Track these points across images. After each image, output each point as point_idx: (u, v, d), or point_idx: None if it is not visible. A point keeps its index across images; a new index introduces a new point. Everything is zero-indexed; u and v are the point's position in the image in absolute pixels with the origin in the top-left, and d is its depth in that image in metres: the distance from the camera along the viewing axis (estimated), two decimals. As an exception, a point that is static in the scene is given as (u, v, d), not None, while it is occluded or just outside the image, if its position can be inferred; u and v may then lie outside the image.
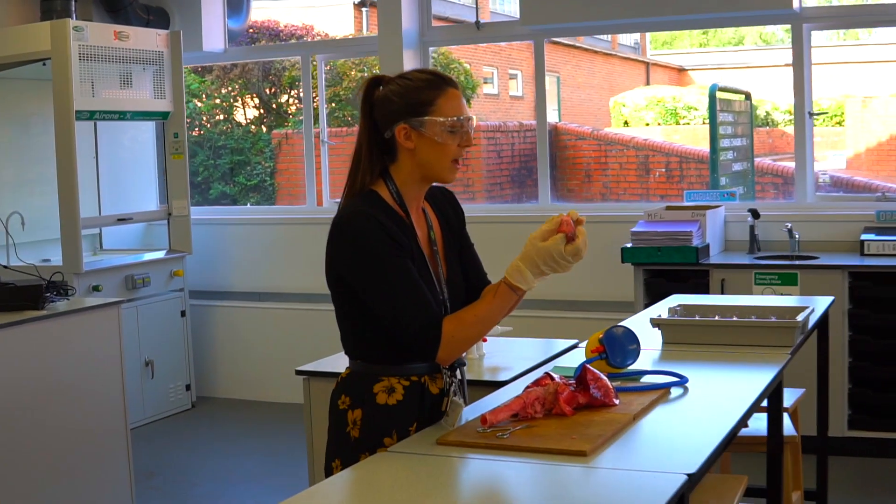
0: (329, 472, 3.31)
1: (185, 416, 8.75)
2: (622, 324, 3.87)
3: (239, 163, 10.91)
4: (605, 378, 3.31)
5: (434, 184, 3.34)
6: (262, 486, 6.94)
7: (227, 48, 9.49)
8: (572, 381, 3.29)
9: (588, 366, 3.31)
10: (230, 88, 11.19)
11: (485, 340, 4.66)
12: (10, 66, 8.06)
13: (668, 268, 7.19)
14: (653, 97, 17.02)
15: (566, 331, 7.67)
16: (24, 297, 5.78)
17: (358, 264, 3.16)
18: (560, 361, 4.15)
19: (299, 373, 4.64)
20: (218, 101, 11.16)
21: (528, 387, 3.28)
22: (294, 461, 7.19)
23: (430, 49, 8.81)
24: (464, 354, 3.43)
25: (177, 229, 8.81)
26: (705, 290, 7.04)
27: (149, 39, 8.41)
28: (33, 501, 5.60)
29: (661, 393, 3.44)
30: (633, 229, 7.26)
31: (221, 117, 11.19)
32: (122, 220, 8.55)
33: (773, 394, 3.79)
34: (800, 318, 4.28)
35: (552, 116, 11.80)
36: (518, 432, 3.04)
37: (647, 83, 20.27)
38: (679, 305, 4.61)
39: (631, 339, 3.75)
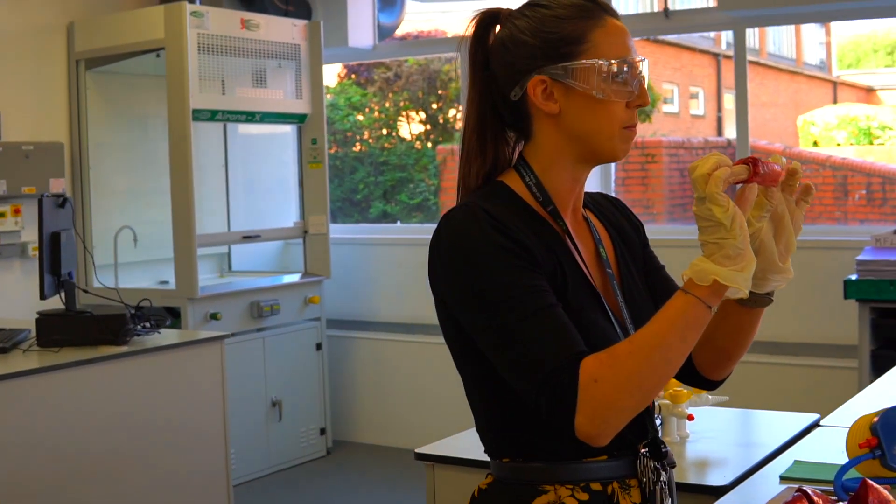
0: None
1: (318, 464, 7.79)
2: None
3: (401, 180, 10.21)
4: (893, 500, 2.03)
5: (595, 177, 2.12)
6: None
7: (376, 44, 8.53)
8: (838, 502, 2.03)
9: (870, 481, 2.04)
10: (394, 101, 10.54)
11: (691, 418, 3.29)
12: (121, 57, 7.26)
13: (901, 307, 6.00)
14: (845, 115, 16.27)
15: (772, 382, 6.64)
16: (104, 330, 4.81)
17: (457, 285, 2.01)
18: (799, 450, 2.86)
19: (420, 457, 3.34)
20: (380, 114, 10.50)
21: (770, 513, 2.02)
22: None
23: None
24: (671, 450, 2.16)
25: (314, 250, 7.90)
26: (948, 334, 5.79)
27: (283, 30, 7.54)
28: None
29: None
30: (859, 258, 6.06)
31: (384, 132, 10.52)
32: (248, 237, 7.62)
33: None
34: None
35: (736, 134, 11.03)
36: None
37: (835, 102, 19.61)
38: (961, 367, 3.30)
39: (916, 425, 2.46)
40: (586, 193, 2.23)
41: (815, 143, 16.14)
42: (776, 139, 17.92)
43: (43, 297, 4.75)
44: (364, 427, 8.41)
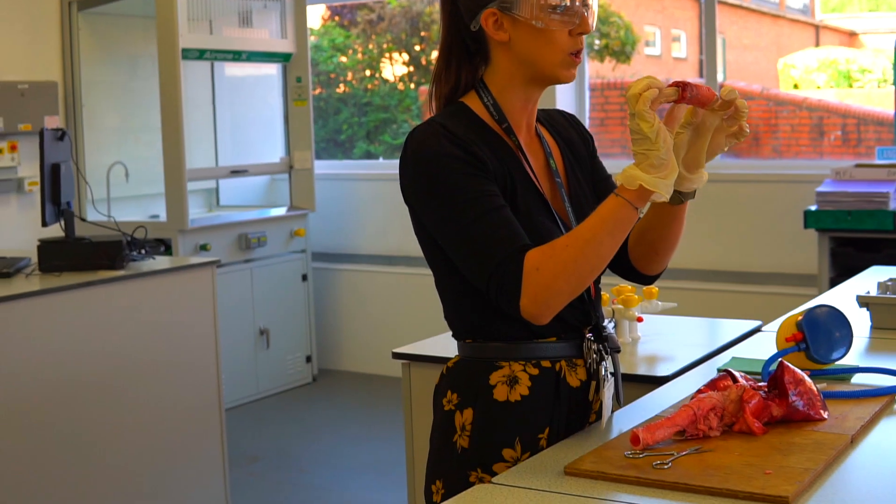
0: (429, 497, 2.43)
1: (303, 390, 8.02)
2: (826, 302, 2.85)
3: (384, 121, 10.28)
4: (808, 380, 2.33)
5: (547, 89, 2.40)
6: (377, 478, 6.13)
7: (359, -15, 8.71)
8: (762, 383, 2.33)
9: (786, 361, 2.33)
10: (376, 44, 10.61)
11: (640, 320, 3.61)
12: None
13: (859, 235, 6.19)
14: (825, 59, 16.20)
15: (738, 308, 6.92)
16: (101, 256, 5.02)
17: (421, 191, 2.31)
18: (739, 350, 3.16)
19: (397, 356, 3.64)
20: (363, 56, 10.58)
21: (699, 390, 2.33)
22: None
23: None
24: (615, 336, 2.48)
25: (299, 184, 8.11)
26: (902, 261, 6.01)
27: (269, -28, 7.68)
28: (111, 488, 4.94)
29: (884, 402, 2.46)
30: (819, 189, 6.29)
31: (368, 73, 10.58)
32: (235, 172, 7.82)
33: None
34: None
35: (718, 77, 10.98)
36: (685, 460, 2.09)
37: (817, 45, 19.48)
38: (891, 280, 3.58)
39: (839, 323, 2.75)
40: (543, 110, 2.53)
41: (796, 86, 16.13)
42: (756, 81, 17.89)
43: (44, 224, 4.97)
44: (348, 355, 8.58)
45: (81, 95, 7.50)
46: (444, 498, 2.35)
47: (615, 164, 7.75)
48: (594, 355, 2.39)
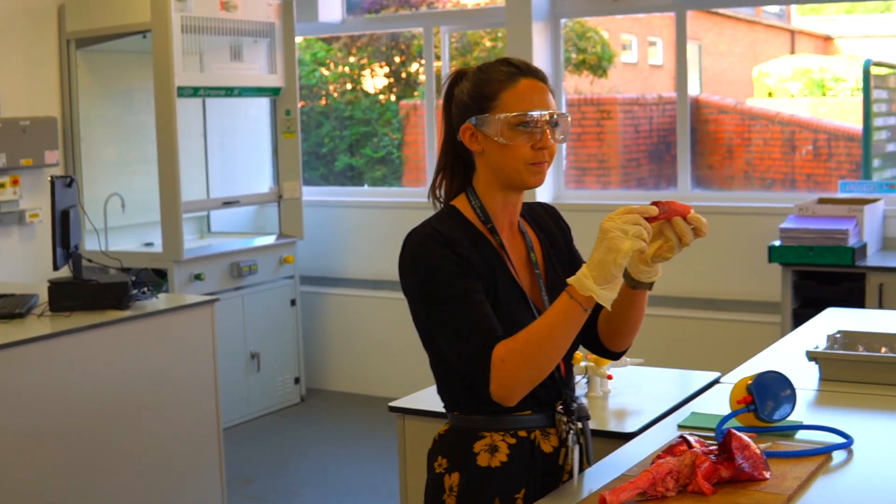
0: None
1: (293, 410, 8.32)
2: (773, 369, 3.20)
3: (366, 134, 10.47)
4: (753, 445, 2.67)
5: (525, 198, 2.78)
6: (367, 499, 6.43)
7: (345, 18, 9.04)
8: (713, 446, 2.67)
9: (734, 431, 2.68)
10: (358, 57, 10.80)
11: (610, 378, 3.98)
12: (109, 38, 7.68)
13: (820, 269, 6.51)
14: (799, 67, 16.36)
15: (705, 334, 7.21)
16: (108, 296, 5.33)
17: (413, 286, 2.69)
18: (698, 404, 3.51)
19: (393, 409, 4.00)
20: (346, 69, 10.76)
21: (659, 455, 2.67)
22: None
23: (562, 20, 8.19)
24: (585, 402, 2.84)
25: (288, 213, 8.38)
26: (861, 294, 6.35)
27: (259, 9, 7.97)
28: None
29: (820, 460, 2.80)
30: (783, 225, 6.59)
31: (349, 86, 10.77)
32: (228, 203, 8.10)
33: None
34: None
35: (693, 87, 11.13)
36: (645, 520, 2.43)
37: (793, 52, 19.60)
38: (839, 332, 3.93)
39: (784, 385, 3.10)
40: (526, 204, 2.89)
41: (770, 94, 16.34)
42: (732, 88, 18.02)
43: (56, 268, 5.24)
44: (335, 376, 8.86)
45: (80, 130, 7.73)
46: None
47: (589, 181, 8.01)
48: (564, 425, 2.76)
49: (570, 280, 2.50)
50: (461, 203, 2.78)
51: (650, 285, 2.69)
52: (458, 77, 2.79)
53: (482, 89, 2.70)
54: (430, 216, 2.76)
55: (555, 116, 2.68)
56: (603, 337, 2.88)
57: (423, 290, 2.66)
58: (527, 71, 2.72)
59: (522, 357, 2.53)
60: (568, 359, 2.80)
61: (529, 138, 2.66)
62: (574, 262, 2.89)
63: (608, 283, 2.46)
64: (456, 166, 2.82)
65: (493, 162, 2.70)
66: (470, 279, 2.62)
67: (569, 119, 2.75)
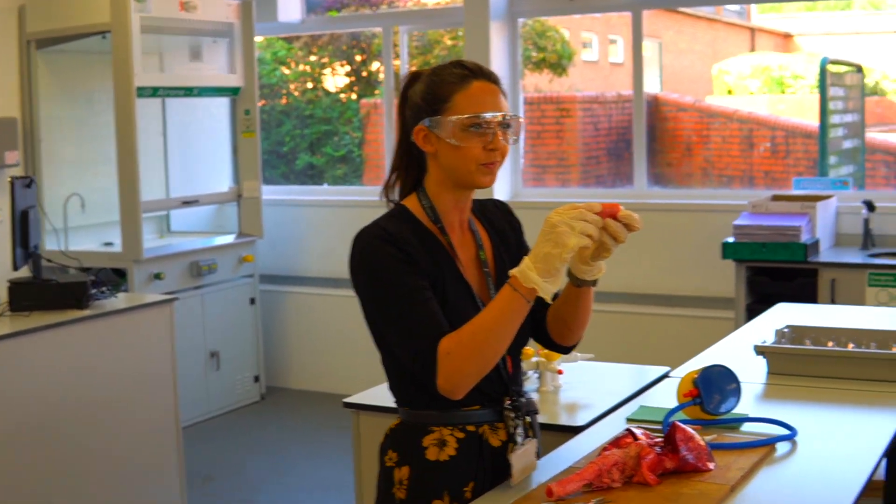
0: None
1: (253, 408, 8.35)
2: (720, 363, 3.27)
3: (326, 132, 10.48)
4: (697, 437, 2.75)
5: (476, 195, 2.86)
6: (328, 497, 6.48)
7: (304, 18, 9.08)
8: (659, 439, 2.74)
9: (678, 423, 2.75)
10: (319, 56, 10.80)
11: (560, 373, 4.05)
12: (69, 38, 7.68)
13: (773, 265, 6.60)
14: (758, 65, 16.41)
15: (661, 330, 7.26)
16: (68, 296, 5.38)
17: (363, 285, 2.74)
18: (647, 398, 3.58)
19: (348, 406, 4.05)
20: (307, 67, 10.76)
21: (605, 447, 2.74)
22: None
23: (520, 20, 8.26)
24: (535, 398, 2.90)
25: (247, 212, 8.41)
26: (813, 290, 6.43)
27: (218, 10, 7.99)
28: None
29: (764, 452, 2.88)
30: (736, 222, 6.67)
31: (310, 85, 10.78)
32: (187, 202, 8.13)
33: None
34: (928, 347, 3.69)
35: (653, 84, 11.18)
36: (590, 510, 2.49)
37: (753, 49, 19.63)
38: (787, 327, 4.01)
39: (730, 379, 3.18)
40: (478, 201, 2.95)
41: (730, 92, 16.39)
42: (692, 86, 18.04)
43: (15, 268, 5.29)
44: (294, 374, 8.90)
45: (40, 130, 7.73)
46: None
47: (548, 179, 8.05)
48: (512, 420, 2.81)
49: (513, 272, 2.56)
50: (411, 203, 2.82)
51: (594, 282, 2.75)
52: (412, 79, 2.83)
53: (435, 91, 2.74)
54: (380, 216, 2.81)
55: (506, 118, 2.73)
56: (552, 332, 2.93)
57: (371, 288, 2.71)
58: (479, 73, 2.76)
59: (468, 350, 2.58)
60: (515, 354, 2.86)
61: (481, 139, 2.71)
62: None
63: (551, 276, 2.52)
64: (410, 167, 2.86)
65: (446, 163, 2.75)
66: (417, 277, 2.67)
67: (521, 120, 2.81)
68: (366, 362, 7.97)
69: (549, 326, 2.92)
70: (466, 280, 2.79)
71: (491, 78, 2.78)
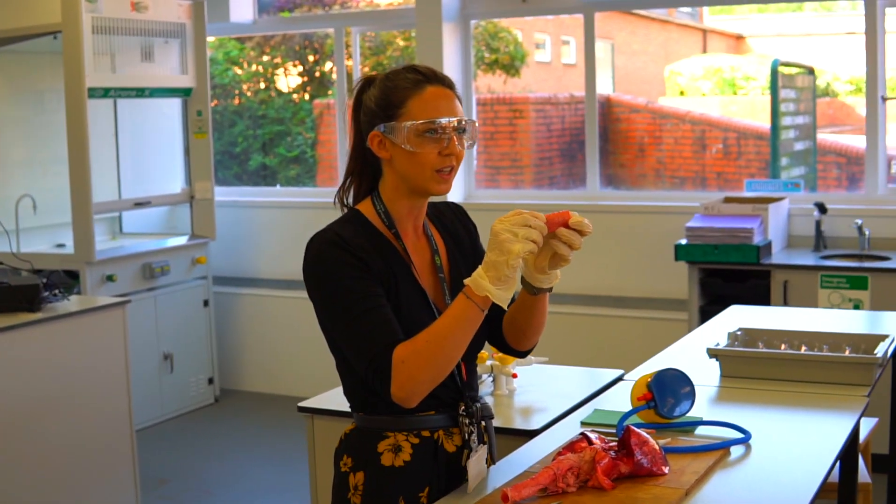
0: None
1: (207, 411, 8.32)
2: (674, 366, 3.29)
3: (279, 133, 10.45)
4: (652, 441, 2.76)
5: (432, 198, 2.86)
6: (282, 499, 6.46)
7: (256, 19, 9.07)
8: (613, 443, 2.75)
9: (632, 427, 2.76)
10: (271, 56, 10.76)
11: (514, 376, 4.06)
12: (19, 38, 7.60)
13: (726, 267, 6.63)
14: (710, 66, 16.46)
15: (614, 331, 7.29)
16: (20, 299, 5.34)
17: (316, 290, 2.73)
18: (601, 401, 3.59)
19: (302, 410, 4.04)
20: (259, 68, 10.72)
21: (560, 452, 2.74)
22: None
23: (472, 21, 8.27)
24: (490, 401, 2.92)
25: (200, 214, 8.37)
26: (766, 291, 6.47)
27: (170, 10, 7.94)
28: None
29: (718, 455, 2.89)
30: (689, 224, 6.70)
31: (262, 85, 10.74)
32: (140, 204, 8.07)
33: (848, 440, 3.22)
34: (878, 351, 3.72)
35: (606, 86, 11.18)
36: (546, 516, 2.50)
37: (705, 51, 19.69)
38: (740, 330, 4.04)
39: (684, 383, 3.20)
40: (434, 205, 2.95)
41: (682, 93, 16.44)
42: (644, 87, 18.06)
43: (-33, 271, 5.29)
44: (248, 376, 8.88)
45: (-11, 131, 7.67)
46: None
47: (502, 181, 8.05)
48: (466, 426, 2.82)
49: (466, 281, 2.57)
50: (366, 207, 2.82)
51: (550, 289, 2.75)
52: (366, 84, 2.83)
53: (389, 97, 2.74)
54: (333, 221, 2.80)
55: (462, 122, 2.74)
56: (508, 337, 2.94)
57: (324, 294, 2.70)
58: (433, 78, 2.76)
59: (422, 358, 2.58)
60: (470, 360, 2.86)
61: (437, 145, 2.71)
62: (479, 262, 2.95)
63: (503, 283, 2.53)
64: (364, 172, 2.86)
65: (401, 169, 2.74)
66: (370, 283, 2.67)
67: (476, 124, 2.80)
68: (319, 365, 8.00)
69: (505, 332, 2.93)
70: (421, 286, 2.79)
71: (445, 82, 2.78)
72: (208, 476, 6.88)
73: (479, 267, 2.55)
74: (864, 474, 4.16)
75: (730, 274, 6.69)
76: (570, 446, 2.75)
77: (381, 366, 2.59)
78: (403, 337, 2.62)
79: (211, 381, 8.48)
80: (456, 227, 2.99)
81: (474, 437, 2.83)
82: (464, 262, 2.93)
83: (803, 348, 3.91)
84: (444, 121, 2.70)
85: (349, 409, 2.89)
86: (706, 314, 6.51)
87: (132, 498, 5.80)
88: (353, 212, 2.82)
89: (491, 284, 2.52)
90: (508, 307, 2.78)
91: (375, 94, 2.77)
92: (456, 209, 3.04)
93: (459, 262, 2.92)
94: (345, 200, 2.89)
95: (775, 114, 8.04)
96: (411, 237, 2.84)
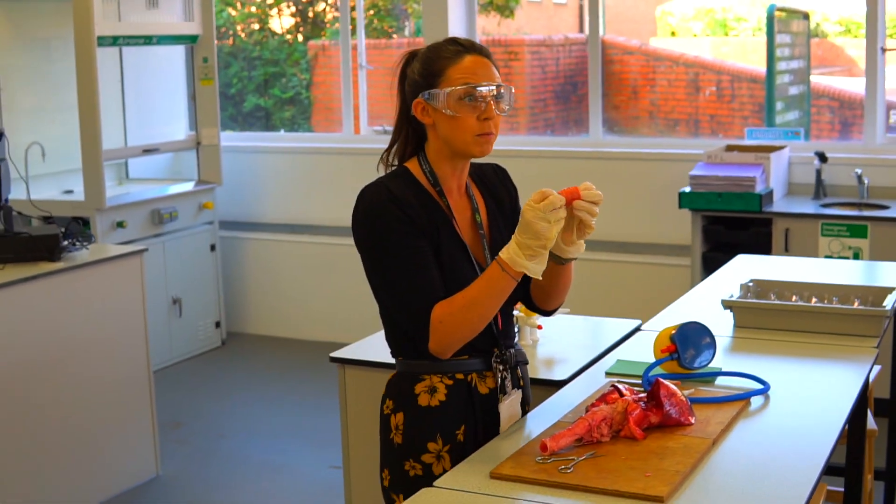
0: (382, 483, 3.10)
1: (214, 354, 8.45)
2: (693, 319, 3.42)
3: (274, 74, 10.48)
4: (679, 392, 2.90)
5: (474, 160, 3.06)
6: (292, 440, 6.61)
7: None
8: (643, 394, 2.89)
9: (661, 380, 2.90)
10: None
11: (539, 328, 4.20)
12: (25, -13, 7.63)
13: (729, 215, 6.76)
14: (701, 7, 16.45)
15: (619, 277, 7.42)
16: (40, 248, 5.44)
17: (365, 241, 2.94)
18: (623, 351, 3.73)
19: (334, 360, 4.18)
20: (253, 9, 10.72)
21: (593, 403, 2.88)
22: (326, 412, 6.83)
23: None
24: (523, 350, 3.09)
25: (206, 159, 8.46)
26: (767, 239, 6.61)
27: (175, -45, 7.97)
28: (55, 457, 5.42)
29: (740, 406, 3.03)
30: (692, 172, 6.81)
31: (257, 27, 10.75)
32: (148, 150, 8.17)
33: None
34: (887, 304, 3.85)
35: (599, 28, 11.15)
36: (584, 464, 2.65)
37: None
38: (752, 282, 4.17)
39: (704, 334, 3.34)
40: (478, 165, 3.15)
41: (673, 34, 16.47)
42: (635, 27, 18.10)
43: (-13, 221, 5.37)
44: (254, 319, 9.00)
45: (-1, 79, 7.73)
46: (391, 483, 3.04)
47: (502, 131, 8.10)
48: (500, 370, 3.02)
49: (502, 256, 2.76)
50: (413, 166, 3.01)
51: (575, 258, 2.95)
52: (410, 58, 3.01)
53: (430, 67, 2.92)
54: (383, 175, 3.00)
55: (499, 89, 2.91)
56: (536, 299, 3.15)
57: (373, 246, 2.90)
58: (471, 48, 2.94)
59: (457, 320, 2.81)
60: (507, 312, 3.06)
61: (475, 110, 2.88)
62: (517, 222, 3.11)
63: (537, 259, 2.75)
64: (409, 137, 3.05)
65: (443, 133, 2.92)
66: (417, 239, 2.86)
67: (512, 90, 2.97)
68: (321, 307, 8.19)
69: (534, 295, 3.13)
70: (462, 240, 2.97)
71: (483, 52, 2.95)
72: (220, 419, 7.01)
73: (514, 245, 2.75)
74: (869, 421, 4.30)
75: (732, 221, 6.81)
76: (603, 398, 2.88)
77: (421, 322, 2.82)
78: (443, 294, 2.83)
79: (218, 324, 8.58)
80: (497, 187, 3.17)
81: (508, 381, 3.03)
82: (503, 221, 3.11)
83: (814, 300, 4.04)
84: (482, 88, 2.87)
85: (377, 360, 3.07)
86: (708, 260, 6.69)
87: (150, 442, 5.97)
88: (402, 168, 3.01)
89: (527, 261, 2.73)
90: None
91: (418, 66, 2.96)
92: (499, 171, 3.22)
93: (499, 220, 3.10)
94: (390, 162, 3.07)
95: (771, 59, 8.13)
96: (455, 195, 3.02)
